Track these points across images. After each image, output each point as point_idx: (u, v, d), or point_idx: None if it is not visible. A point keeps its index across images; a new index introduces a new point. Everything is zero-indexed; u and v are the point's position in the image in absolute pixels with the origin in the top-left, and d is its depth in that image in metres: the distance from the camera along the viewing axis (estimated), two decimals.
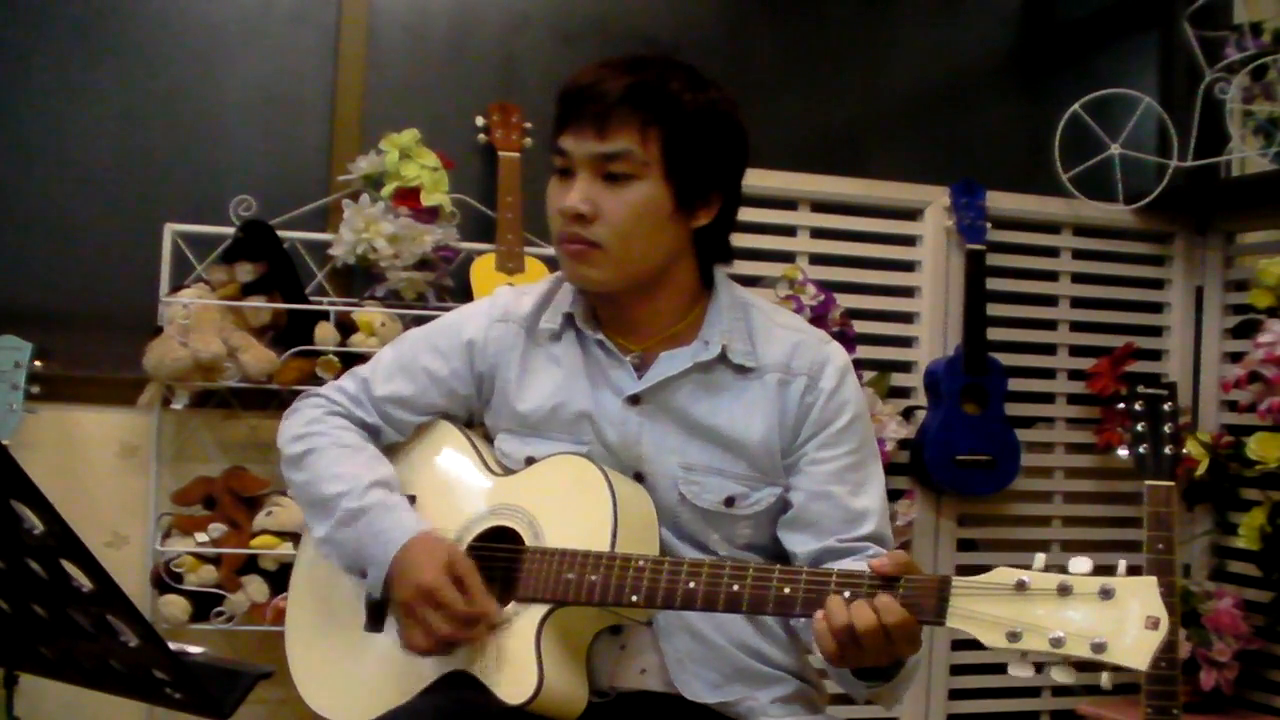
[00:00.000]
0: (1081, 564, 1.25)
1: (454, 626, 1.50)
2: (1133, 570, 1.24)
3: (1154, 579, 1.22)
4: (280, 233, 2.69)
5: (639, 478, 1.64)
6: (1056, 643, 1.22)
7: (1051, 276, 3.22)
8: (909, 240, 3.11)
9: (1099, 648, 1.20)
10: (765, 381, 1.65)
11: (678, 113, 1.57)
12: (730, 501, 1.63)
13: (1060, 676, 1.25)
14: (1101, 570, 1.25)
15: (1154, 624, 1.20)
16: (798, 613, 1.41)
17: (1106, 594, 1.22)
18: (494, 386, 1.73)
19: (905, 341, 3.12)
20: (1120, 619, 1.21)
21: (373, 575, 1.59)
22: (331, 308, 2.68)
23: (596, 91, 1.56)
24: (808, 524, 1.63)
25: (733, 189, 1.67)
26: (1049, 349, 3.23)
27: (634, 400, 1.65)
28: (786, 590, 1.40)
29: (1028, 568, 1.27)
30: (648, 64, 1.60)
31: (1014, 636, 1.24)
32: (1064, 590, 1.24)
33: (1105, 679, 1.23)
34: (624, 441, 1.64)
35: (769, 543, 1.67)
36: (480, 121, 2.90)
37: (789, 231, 3.04)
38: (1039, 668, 1.26)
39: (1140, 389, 2.39)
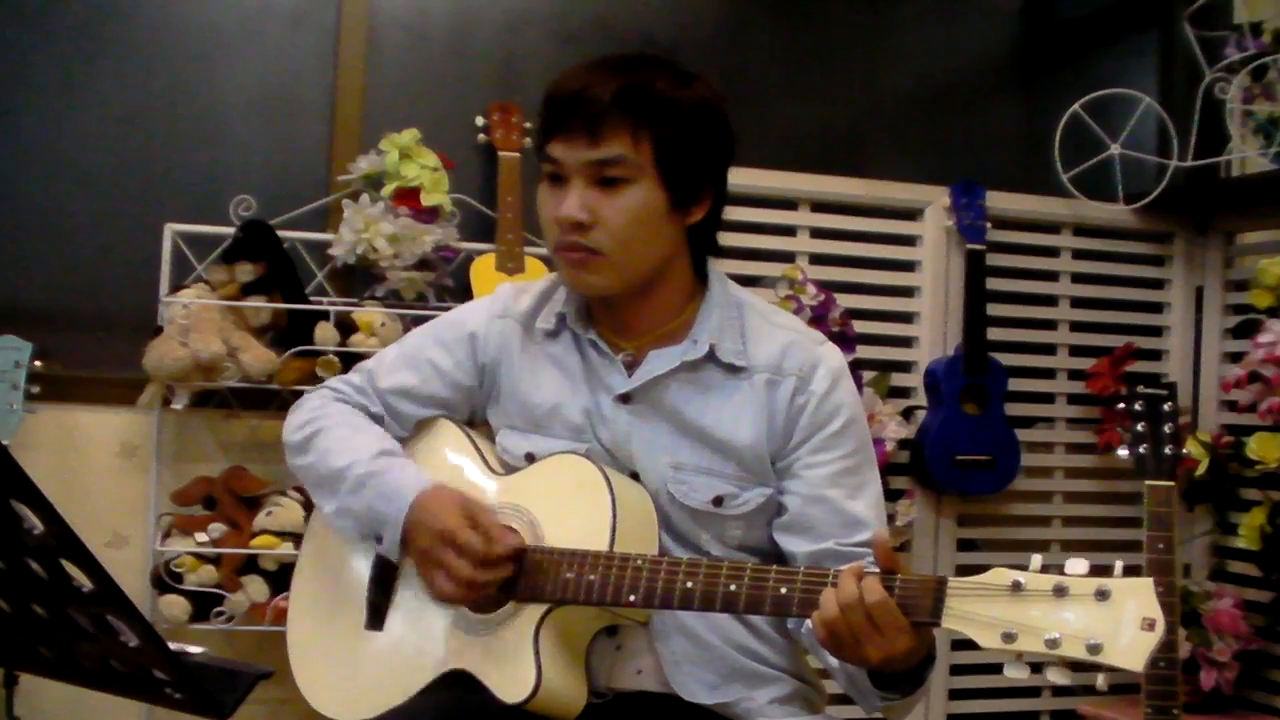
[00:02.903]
0: (1078, 565, 1.25)
1: (475, 568, 1.51)
2: (1129, 571, 1.24)
3: (1150, 580, 1.21)
4: (280, 233, 2.70)
5: (633, 477, 1.64)
6: (1052, 644, 1.22)
7: (1051, 276, 3.22)
8: (909, 240, 3.11)
9: (1094, 649, 1.20)
10: (754, 382, 1.63)
11: (667, 113, 1.56)
12: (719, 501, 1.62)
13: (1056, 677, 1.24)
14: (1098, 571, 1.24)
15: (1150, 625, 1.19)
16: (795, 612, 1.40)
17: (1102, 595, 1.22)
18: (496, 381, 1.74)
19: (905, 341, 3.11)
20: (1116, 620, 1.20)
21: (388, 537, 1.59)
22: (331, 308, 2.68)
23: (585, 97, 1.54)
24: (805, 528, 1.62)
25: (722, 182, 1.67)
26: (1049, 349, 3.22)
27: (625, 399, 1.64)
28: (783, 590, 1.40)
29: (1024, 568, 1.27)
30: (633, 64, 1.59)
31: (1009, 638, 1.24)
32: (1060, 591, 1.23)
33: (1100, 680, 1.23)
34: (615, 440, 1.64)
35: (763, 543, 1.66)
36: (480, 121, 2.91)
37: (789, 231, 3.04)
38: (1035, 668, 1.26)
39: (1140, 389, 2.39)
